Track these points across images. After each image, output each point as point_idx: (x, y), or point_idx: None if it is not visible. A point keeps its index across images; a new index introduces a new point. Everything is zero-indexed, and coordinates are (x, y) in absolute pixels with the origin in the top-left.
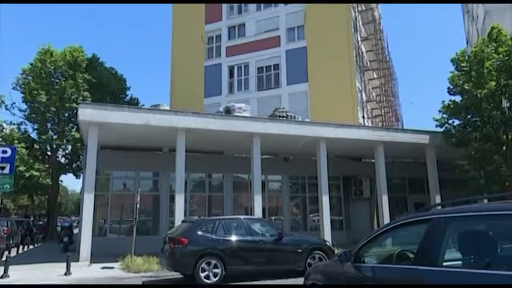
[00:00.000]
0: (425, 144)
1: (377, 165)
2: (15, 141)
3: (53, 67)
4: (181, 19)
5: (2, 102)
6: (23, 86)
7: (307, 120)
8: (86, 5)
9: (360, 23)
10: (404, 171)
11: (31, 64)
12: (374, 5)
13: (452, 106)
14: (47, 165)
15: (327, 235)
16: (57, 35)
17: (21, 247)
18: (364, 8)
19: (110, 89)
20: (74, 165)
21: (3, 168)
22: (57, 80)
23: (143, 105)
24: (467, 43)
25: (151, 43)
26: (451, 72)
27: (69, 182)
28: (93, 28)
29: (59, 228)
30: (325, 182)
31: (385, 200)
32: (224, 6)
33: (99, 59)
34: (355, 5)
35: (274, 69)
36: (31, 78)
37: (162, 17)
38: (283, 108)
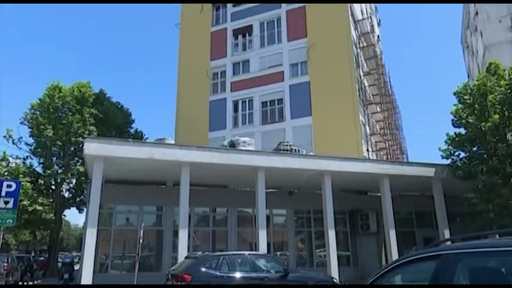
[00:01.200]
0: (432, 177)
1: (383, 199)
2: (21, 176)
3: (61, 102)
4: (188, 55)
5: (10, 136)
6: (30, 120)
7: (311, 153)
8: (96, 41)
9: (362, 58)
10: (412, 205)
11: (40, 99)
12: (375, 40)
13: (457, 139)
14: (50, 200)
15: (334, 271)
16: (68, 71)
17: (20, 284)
18: (365, 44)
19: (115, 123)
20: (78, 199)
21: (7, 202)
22: (64, 115)
23: (147, 138)
24: (468, 77)
25: (158, 78)
26: (454, 105)
27: (72, 216)
28: (101, 62)
29: (60, 264)
30: (330, 216)
31: (392, 234)
32: (229, 43)
33: (106, 94)
34: (356, 41)
35: (278, 104)
36: (39, 113)
37: (169, 53)
38: (288, 142)
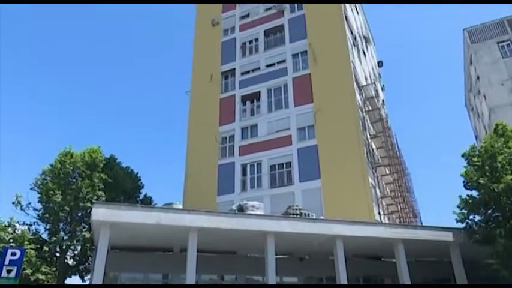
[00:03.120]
0: (449, 242)
1: (398, 265)
2: (26, 243)
3: (71, 168)
4: (197, 121)
5: (19, 202)
6: (40, 186)
7: (321, 217)
8: (106, 104)
9: (368, 121)
10: (429, 272)
11: (51, 165)
12: (380, 104)
13: (470, 201)
14: (54, 268)
15: None
16: (80, 135)
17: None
18: (371, 108)
19: (124, 187)
20: (82, 266)
21: (9, 271)
22: (74, 180)
23: (156, 204)
24: (476, 138)
25: (168, 143)
26: (464, 167)
27: None
28: (112, 125)
29: None
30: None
31: None
32: (237, 109)
33: (116, 159)
34: (362, 105)
35: (286, 167)
36: (49, 179)
37: (179, 118)
38: (297, 206)
